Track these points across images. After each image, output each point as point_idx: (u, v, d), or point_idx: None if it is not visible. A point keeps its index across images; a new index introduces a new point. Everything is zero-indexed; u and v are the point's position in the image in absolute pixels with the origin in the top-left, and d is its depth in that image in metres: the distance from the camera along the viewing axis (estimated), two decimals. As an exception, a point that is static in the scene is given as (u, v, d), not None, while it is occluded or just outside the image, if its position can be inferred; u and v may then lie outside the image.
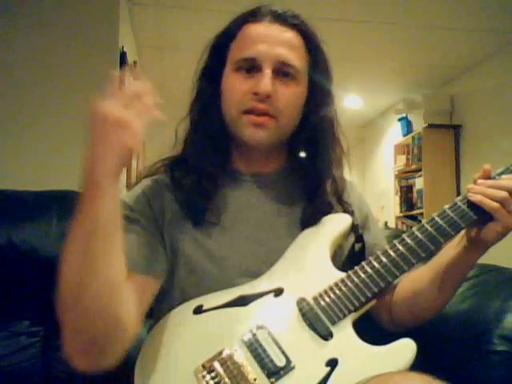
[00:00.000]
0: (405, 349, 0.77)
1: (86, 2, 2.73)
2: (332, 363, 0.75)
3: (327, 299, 0.81)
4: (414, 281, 0.91)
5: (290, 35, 0.90)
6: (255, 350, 0.76)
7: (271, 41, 0.89)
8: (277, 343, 0.77)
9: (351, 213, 0.95)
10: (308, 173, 0.93)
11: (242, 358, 0.76)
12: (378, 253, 0.84)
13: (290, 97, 0.89)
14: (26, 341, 1.06)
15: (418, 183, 4.59)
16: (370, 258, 0.84)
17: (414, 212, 4.66)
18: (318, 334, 0.78)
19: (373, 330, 0.85)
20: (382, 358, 0.76)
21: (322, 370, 0.75)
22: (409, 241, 0.83)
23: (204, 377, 0.74)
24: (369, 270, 0.83)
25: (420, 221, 0.93)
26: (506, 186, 0.79)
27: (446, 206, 0.84)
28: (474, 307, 0.95)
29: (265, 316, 0.80)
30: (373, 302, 0.83)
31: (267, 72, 0.87)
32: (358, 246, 0.94)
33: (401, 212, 4.87)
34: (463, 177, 4.31)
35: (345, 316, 0.80)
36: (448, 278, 0.86)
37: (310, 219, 0.91)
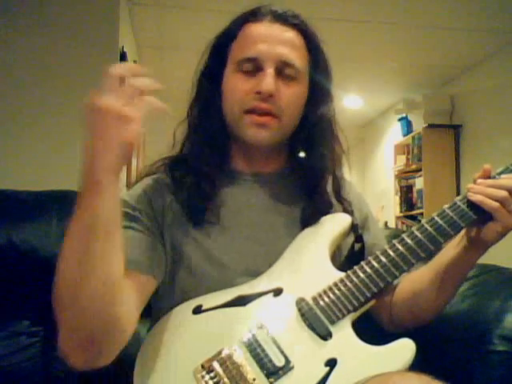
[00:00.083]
0: (404, 349, 0.77)
1: (86, 2, 2.73)
2: (331, 363, 0.75)
3: (326, 299, 0.81)
4: (414, 281, 0.91)
5: (290, 35, 0.91)
6: (254, 350, 0.76)
7: (272, 40, 0.89)
8: (276, 343, 0.77)
9: (351, 212, 0.95)
10: (307, 172, 0.93)
11: (241, 358, 0.76)
12: (378, 253, 0.84)
13: (292, 96, 0.89)
14: (26, 341, 1.06)
15: (418, 183, 4.59)
16: (370, 258, 0.84)
17: (414, 212, 4.66)
18: (317, 333, 0.78)
19: (372, 330, 0.85)
20: (381, 358, 0.76)
21: (321, 369, 0.75)
22: (408, 241, 0.83)
23: (203, 377, 0.74)
24: (368, 270, 0.83)
25: (420, 221, 0.93)
26: (506, 185, 0.79)
27: (446, 206, 0.84)
28: (473, 307, 0.95)
29: (264, 316, 0.80)
30: (372, 302, 0.83)
31: (269, 71, 0.87)
32: (357, 246, 0.93)
33: (401, 212, 4.87)
34: (463, 177, 4.31)
35: (344, 316, 0.80)
36: (448, 278, 0.86)
37: (310, 218, 0.92)
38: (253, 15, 0.92)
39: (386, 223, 5.03)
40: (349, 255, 0.93)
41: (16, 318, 1.07)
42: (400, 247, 0.83)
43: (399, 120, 5.00)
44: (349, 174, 1.02)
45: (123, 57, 2.87)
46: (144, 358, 0.79)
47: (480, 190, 0.80)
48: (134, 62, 3.40)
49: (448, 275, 0.86)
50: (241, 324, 0.80)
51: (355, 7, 3.25)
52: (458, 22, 3.42)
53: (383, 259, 0.83)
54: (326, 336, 0.78)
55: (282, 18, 0.91)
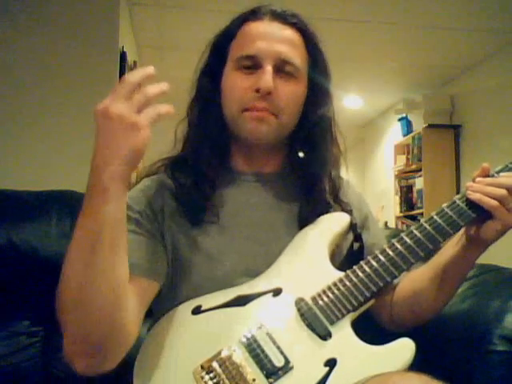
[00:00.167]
0: (404, 348, 0.77)
1: (86, 2, 2.73)
2: (331, 363, 0.75)
3: (326, 299, 0.81)
4: (414, 280, 0.91)
5: (290, 33, 0.91)
6: (254, 350, 0.76)
7: (271, 38, 0.89)
8: (275, 343, 0.77)
9: (349, 212, 0.95)
10: (306, 172, 0.94)
11: (241, 358, 0.75)
12: (377, 252, 0.84)
13: (291, 94, 0.89)
14: (25, 341, 1.06)
15: (418, 183, 4.59)
16: (369, 258, 0.84)
17: (414, 212, 4.66)
18: (316, 333, 0.78)
19: (372, 330, 0.85)
20: (381, 358, 0.76)
21: (320, 370, 0.75)
22: (407, 240, 0.83)
23: (203, 377, 0.74)
24: (367, 269, 0.83)
25: (420, 221, 0.93)
26: (505, 183, 0.79)
27: (445, 205, 0.84)
28: (474, 307, 0.95)
29: (263, 316, 0.80)
30: (371, 302, 0.83)
31: (268, 69, 0.87)
32: (356, 246, 0.93)
33: (401, 212, 4.87)
34: (463, 177, 4.31)
35: (343, 316, 0.80)
36: (448, 276, 0.86)
37: (308, 218, 0.92)
38: (252, 14, 0.93)
39: (385, 223, 5.03)
40: (348, 255, 0.93)
41: (16, 318, 1.07)
42: (399, 246, 0.83)
43: (399, 120, 5.00)
44: (347, 174, 1.02)
45: (123, 57, 2.87)
46: (144, 358, 0.79)
47: (479, 189, 0.80)
48: (134, 62, 3.40)
49: (448, 274, 0.86)
50: (240, 324, 0.79)
51: (355, 7, 3.25)
52: (457, 21, 3.42)
53: (382, 259, 0.83)
54: (325, 336, 0.78)
55: (282, 17, 0.92)
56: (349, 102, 5.01)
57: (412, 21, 3.42)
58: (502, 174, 0.83)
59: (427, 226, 0.83)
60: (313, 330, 0.79)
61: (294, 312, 0.81)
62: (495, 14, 3.27)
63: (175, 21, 3.49)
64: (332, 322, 0.79)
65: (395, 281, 0.87)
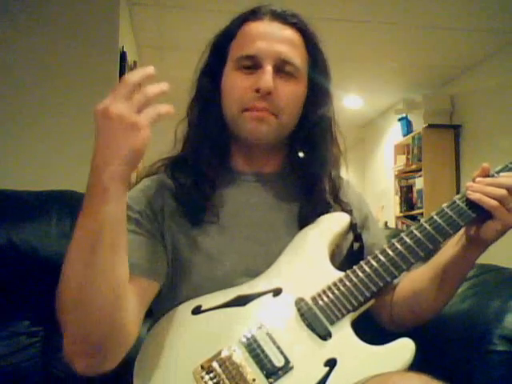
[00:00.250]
0: (404, 348, 0.77)
1: (86, 2, 2.73)
2: (331, 363, 0.75)
3: (326, 299, 0.81)
4: (414, 280, 0.91)
5: (290, 33, 0.91)
6: (254, 350, 0.76)
7: (271, 38, 0.89)
8: (275, 343, 0.77)
9: (349, 212, 0.95)
10: (306, 172, 0.94)
11: (241, 358, 0.75)
12: (377, 252, 0.84)
13: (291, 94, 0.89)
14: (26, 341, 1.06)
15: (418, 183, 4.59)
16: (369, 258, 0.84)
17: (413, 212, 4.66)
18: (316, 333, 0.78)
19: (372, 330, 0.85)
20: (381, 358, 0.76)
21: (320, 370, 0.74)
22: (407, 240, 0.83)
23: (203, 377, 0.74)
24: (367, 269, 0.83)
25: (419, 221, 0.93)
26: (505, 183, 0.79)
27: (445, 205, 0.84)
28: (474, 307, 0.95)
29: (263, 316, 0.80)
30: (371, 302, 0.83)
31: (268, 68, 0.87)
32: (356, 246, 0.93)
33: (401, 212, 4.87)
34: (463, 177, 4.31)
35: (343, 316, 0.80)
36: (448, 276, 0.86)
37: (308, 218, 0.92)
38: (252, 14, 0.93)
39: (386, 223, 5.03)
40: (348, 255, 0.93)
41: (16, 318, 1.07)
42: (399, 246, 0.83)
43: (399, 120, 5.00)
44: (347, 174, 1.02)
45: (123, 57, 2.87)
46: (144, 358, 0.79)
47: (479, 189, 0.80)
48: (134, 62, 3.40)
49: (448, 274, 0.86)
50: (240, 324, 0.79)
51: (355, 7, 3.25)
52: (457, 21, 3.42)
53: (382, 259, 0.83)
54: (325, 336, 0.78)
55: (282, 17, 0.92)
56: (349, 102, 5.01)
57: (412, 21, 3.42)
58: (502, 173, 0.83)
59: (427, 226, 0.83)
60: (313, 329, 0.79)
61: (294, 312, 0.81)
62: (495, 13, 3.27)
63: (175, 21, 3.49)
64: (332, 322, 0.79)
65: (395, 281, 0.87)
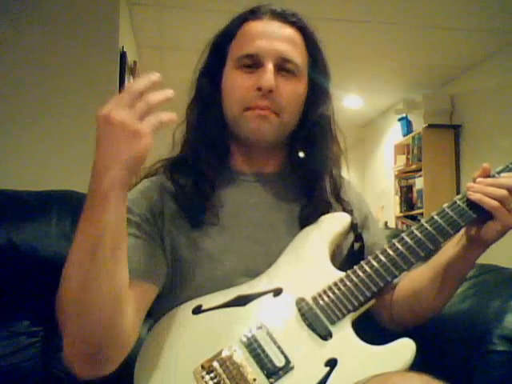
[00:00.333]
0: (404, 349, 0.77)
1: (86, 2, 2.73)
2: (331, 363, 0.75)
3: (326, 299, 0.81)
4: (414, 280, 0.91)
5: (290, 32, 0.91)
6: (254, 350, 0.76)
7: (272, 37, 0.89)
8: (276, 343, 0.77)
9: (350, 212, 0.95)
10: (306, 171, 0.94)
11: (241, 358, 0.75)
12: (377, 252, 0.84)
13: (292, 93, 0.90)
14: (26, 341, 1.06)
15: (418, 183, 4.59)
16: (369, 258, 0.84)
17: (414, 212, 4.66)
18: (317, 333, 0.78)
19: (372, 330, 0.85)
20: (382, 358, 0.76)
21: (321, 370, 0.75)
22: (408, 240, 0.83)
23: (203, 377, 0.74)
24: (368, 269, 0.83)
25: (420, 221, 0.93)
26: (506, 184, 0.79)
27: (446, 205, 0.84)
28: (474, 307, 0.95)
29: (264, 316, 0.80)
30: (372, 302, 0.83)
31: (269, 67, 0.87)
32: (357, 246, 0.93)
33: (401, 212, 4.87)
34: (463, 177, 4.31)
35: (344, 316, 0.80)
36: (448, 276, 0.86)
37: (309, 218, 0.92)
38: (252, 14, 0.93)
39: (386, 223, 5.03)
40: (349, 254, 0.93)
41: (16, 318, 1.07)
42: (400, 246, 0.83)
43: (399, 120, 5.00)
44: (347, 174, 1.02)
45: (123, 57, 2.87)
46: (144, 358, 0.79)
47: (479, 189, 0.80)
48: (134, 62, 3.39)
49: (448, 274, 0.86)
50: (241, 324, 0.79)
51: (355, 7, 3.25)
52: (457, 21, 3.42)
53: (383, 259, 0.83)
54: (326, 336, 0.78)
55: (282, 16, 0.92)
56: (349, 102, 5.01)
57: (412, 21, 3.42)
58: (502, 174, 0.83)
59: (428, 226, 0.83)
60: (313, 329, 0.79)
61: (294, 312, 0.81)
62: (495, 13, 3.27)
63: (175, 21, 3.49)
64: (333, 322, 0.79)
65: (395, 280, 0.87)
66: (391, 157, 5.15)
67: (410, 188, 4.78)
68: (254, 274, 0.86)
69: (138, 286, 0.78)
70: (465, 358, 0.90)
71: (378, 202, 5.36)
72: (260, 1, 0.95)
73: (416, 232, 0.83)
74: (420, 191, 4.52)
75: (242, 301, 0.82)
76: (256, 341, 0.77)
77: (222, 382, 0.73)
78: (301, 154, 0.94)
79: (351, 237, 0.94)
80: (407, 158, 4.81)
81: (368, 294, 0.81)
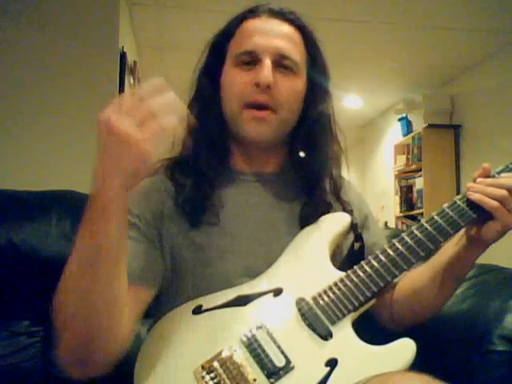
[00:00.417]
0: (404, 349, 0.77)
1: (86, 2, 2.73)
2: (332, 363, 0.75)
3: (326, 299, 0.81)
4: (414, 279, 0.91)
5: (288, 29, 0.92)
6: (254, 350, 0.76)
7: (269, 34, 0.90)
8: (276, 343, 0.77)
9: (350, 212, 0.95)
10: (306, 170, 0.94)
11: (242, 358, 0.75)
12: (377, 252, 0.84)
13: (291, 89, 0.90)
14: (26, 341, 1.06)
15: (418, 183, 4.59)
16: (369, 258, 0.84)
17: (414, 212, 4.66)
18: (317, 333, 0.78)
19: (372, 330, 0.85)
20: (382, 358, 0.76)
21: (321, 370, 0.74)
22: (408, 240, 0.83)
23: (203, 377, 0.74)
24: (368, 269, 0.83)
25: (420, 221, 0.93)
26: (506, 184, 0.79)
27: (446, 205, 0.84)
28: (474, 307, 0.95)
29: (264, 316, 0.80)
30: (372, 302, 0.83)
31: (267, 63, 0.87)
32: (357, 246, 0.93)
33: (401, 212, 4.87)
34: (463, 177, 4.31)
35: (344, 316, 0.80)
36: (447, 276, 0.86)
37: (309, 217, 0.91)
38: (250, 13, 0.93)
39: (386, 223, 5.03)
40: (349, 254, 0.93)
41: (16, 318, 1.07)
42: (400, 246, 0.83)
43: (399, 120, 5.00)
44: (348, 174, 1.02)
45: (123, 57, 2.87)
46: (144, 358, 0.79)
47: (480, 189, 0.80)
48: (134, 62, 3.40)
49: (447, 274, 0.86)
50: (241, 324, 0.79)
51: (355, 7, 3.25)
52: (457, 22, 3.42)
53: (383, 259, 0.83)
54: (326, 336, 0.78)
55: (280, 14, 0.92)
56: (349, 102, 5.01)
57: (412, 21, 3.42)
58: (502, 174, 0.83)
59: (428, 226, 0.83)
60: (314, 329, 0.79)
61: (294, 312, 0.81)
62: (495, 13, 3.27)
63: (175, 21, 3.49)
64: (333, 322, 0.79)
65: (395, 280, 0.87)
66: (391, 157, 5.15)
67: (410, 188, 4.78)
68: (254, 273, 0.86)
69: (133, 289, 0.78)
70: (465, 358, 0.90)
71: (377, 202, 5.36)
72: (259, 0, 0.95)
73: (416, 232, 0.83)
74: (420, 191, 4.52)
75: (242, 301, 0.82)
76: (256, 341, 0.77)
77: (222, 382, 0.73)
78: (301, 154, 0.94)
79: (351, 237, 0.94)
80: (407, 158, 4.81)
81: (368, 294, 0.81)
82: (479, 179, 0.82)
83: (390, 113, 5.28)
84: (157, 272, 0.84)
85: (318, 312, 0.80)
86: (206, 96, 0.94)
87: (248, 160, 0.95)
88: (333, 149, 0.96)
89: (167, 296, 0.86)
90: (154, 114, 0.65)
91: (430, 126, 4.46)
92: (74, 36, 2.65)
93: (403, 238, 0.84)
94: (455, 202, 0.83)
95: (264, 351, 0.76)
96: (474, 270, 1.02)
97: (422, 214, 4.45)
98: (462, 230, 0.84)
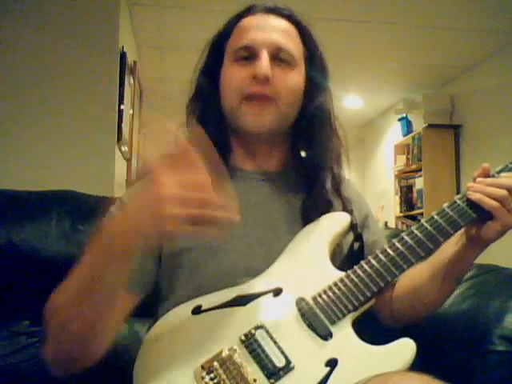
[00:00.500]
0: (404, 349, 0.77)
1: (86, 2, 2.73)
2: (332, 363, 0.75)
3: (326, 299, 0.81)
4: (414, 277, 0.91)
5: (284, 24, 0.93)
6: (254, 350, 0.76)
7: (266, 28, 0.91)
8: (276, 343, 0.77)
9: (350, 211, 0.95)
10: (307, 166, 0.94)
11: (242, 358, 0.75)
12: (377, 252, 0.84)
13: (289, 81, 0.90)
14: (25, 341, 1.06)
15: (418, 183, 4.59)
16: (369, 258, 0.84)
17: (414, 212, 4.66)
18: (317, 333, 0.78)
19: (372, 330, 0.85)
20: (382, 358, 0.76)
21: (321, 370, 0.74)
22: (408, 240, 0.83)
23: (203, 377, 0.74)
24: (368, 269, 0.83)
25: (420, 221, 0.93)
26: (506, 184, 0.79)
27: (446, 205, 0.84)
28: (474, 307, 0.95)
29: (264, 316, 0.80)
30: (372, 302, 0.83)
31: (264, 55, 0.88)
32: (356, 245, 0.93)
33: (401, 212, 4.87)
34: (463, 177, 4.31)
35: (344, 316, 0.80)
36: (447, 275, 0.86)
37: (310, 211, 0.91)
38: (247, 11, 0.95)
39: (386, 223, 5.03)
40: (349, 254, 0.93)
41: (16, 318, 1.07)
42: (400, 246, 0.83)
43: (399, 120, 5.00)
44: (348, 174, 1.02)
45: (123, 57, 2.87)
46: (144, 358, 0.79)
47: (479, 189, 0.80)
48: (134, 62, 3.40)
49: (447, 272, 0.86)
50: (241, 324, 0.79)
51: (355, 7, 3.25)
52: (457, 22, 3.41)
53: (383, 258, 0.83)
54: (326, 336, 0.78)
55: (275, 10, 0.94)
56: (349, 102, 5.01)
57: (412, 21, 3.42)
58: (502, 174, 0.83)
59: (428, 226, 0.83)
60: (314, 330, 0.79)
61: (294, 312, 0.81)
62: (495, 14, 3.27)
63: (175, 21, 3.49)
64: (333, 322, 0.79)
65: (395, 280, 0.87)
66: (391, 157, 5.15)
67: (410, 188, 4.78)
68: (254, 273, 0.86)
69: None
70: (465, 358, 0.90)
71: (378, 202, 5.36)
72: (258, 0, 0.96)
73: (416, 232, 0.83)
74: (420, 191, 4.53)
75: (241, 301, 0.82)
76: (256, 341, 0.77)
77: (222, 382, 0.73)
78: (302, 154, 0.94)
79: (351, 236, 0.94)
80: (407, 158, 4.81)
81: (368, 293, 0.81)
82: (479, 179, 0.82)
83: (390, 113, 5.28)
84: (145, 280, 0.85)
85: (318, 312, 0.80)
86: (206, 95, 0.94)
87: (250, 158, 0.95)
88: (333, 143, 0.96)
89: (167, 295, 0.86)
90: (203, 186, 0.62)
91: (430, 125, 4.46)
92: (74, 36, 2.65)
93: (403, 238, 0.84)
94: (455, 202, 0.83)
95: (264, 351, 0.76)
96: (474, 270, 1.02)
97: (422, 214, 4.45)
98: (462, 230, 0.84)
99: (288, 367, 0.75)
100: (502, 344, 0.87)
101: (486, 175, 0.83)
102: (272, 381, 0.74)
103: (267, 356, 0.75)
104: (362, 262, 0.84)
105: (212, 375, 0.74)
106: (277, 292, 0.83)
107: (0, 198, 1.14)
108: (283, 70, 0.90)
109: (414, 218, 4.64)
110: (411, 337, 0.78)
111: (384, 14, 3.33)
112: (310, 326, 0.79)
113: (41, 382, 1.04)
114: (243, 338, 0.77)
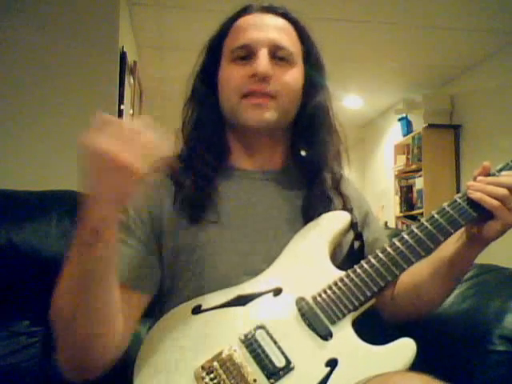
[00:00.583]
0: (405, 349, 0.77)
1: (86, 1, 2.73)
2: (332, 363, 0.75)
3: (326, 299, 0.81)
4: (414, 274, 0.91)
5: (281, 22, 0.93)
6: (254, 350, 0.76)
7: (263, 27, 0.91)
8: (276, 343, 0.77)
9: (350, 210, 0.94)
10: (307, 163, 0.94)
11: (242, 358, 0.75)
12: (378, 251, 0.84)
13: (288, 78, 0.90)
14: (25, 341, 1.06)
15: (418, 183, 4.59)
16: (370, 257, 0.84)
17: (414, 212, 4.66)
18: (317, 333, 0.78)
19: (372, 330, 0.85)
20: (382, 358, 0.76)
21: (321, 370, 0.74)
22: (408, 239, 0.83)
23: (203, 378, 0.74)
24: (368, 268, 0.83)
25: (420, 220, 0.93)
26: (506, 182, 0.79)
27: (446, 204, 0.84)
28: (473, 307, 0.95)
29: (264, 316, 0.80)
30: (372, 301, 0.83)
31: (263, 53, 0.88)
32: (357, 244, 0.93)
33: (401, 212, 4.87)
34: (463, 177, 4.31)
35: (344, 315, 0.80)
36: (447, 273, 0.86)
37: (310, 209, 0.91)
38: (243, 10, 0.95)
39: (386, 223, 5.03)
40: (349, 253, 0.93)
41: (16, 318, 1.07)
42: (400, 245, 0.83)
43: (399, 120, 5.00)
44: (349, 174, 1.02)
45: (123, 57, 2.87)
46: (143, 358, 0.79)
47: (480, 188, 0.80)
48: (134, 62, 3.40)
49: (447, 271, 0.86)
50: (240, 324, 0.79)
51: (355, 7, 3.25)
52: (457, 22, 3.41)
53: (383, 258, 0.83)
54: (326, 336, 0.78)
55: (272, 9, 0.94)
56: (349, 102, 5.01)
57: (412, 21, 3.42)
58: (503, 172, 0.83)
59: (428, 225, 0.83)
60: (314, 329, 0.78)
61: (294, 312, 0.81)
62: (495, 14, 3.27)
63: (175, 21, 3.49)
64: (333, 322, 0.79)
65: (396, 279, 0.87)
66: (391, 157, 5.15)
67: (410, 188, 4.78)
68: (254, 273, 0.85)
69: (127, 296, 0.78)
70: (465, 358, 0.90)
71: (378, 202, 5.36)
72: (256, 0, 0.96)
73: (416, 231, 0.83)
74: (420, 191, 4.52)
75: (241, 300, 0.82)
76: (256, 341, 0.77)
77: (222, 382, 0.73)
78: (303, 153, 0.94)
79: (351, 236, 0.94)
80: (407, 158, 4.81)
81: (369, 293, 0.81)
82: (479, 178, 0.82)
83: (390, 113, 5.28)
84: (152, 278, 0.85)
85: (318, 312, 0.80)
86: (203, 95, 0.94)
87: (250, 157, 0.95)
88: (332, 140, 0.96)
89: (167, 295, 0.86)
90: (135, 133, 0.64)
91: (430, 125, 4.46)
92: (74, 36, 2.65)
93: (403, 237, 0.83)
94: (455, 201, 0.83)
95: (264, 351, 0.76)
96: (474, 270, 1.02)
97: (422, 213, 4.44)
98: (462, 229, 0.84)
99: (288, 367, 0.75)
100: (502, 344, 0.87)
101: (487, 174, 0.83)
102: (272, 381, 0.74)
103: (267, 356, 0.75)
104: (363, 262, 0.84)
105: (212, 375, 0.74)
106: (277, 292, 0.83)
107: (0, 198, 1.14)
108: (282, 68, 0.90)
109: (414, 218, 4.63)
110: (411, 336, 0.78)
111: (384, 14, 3.33)
112: (310, 326, 0.79)
113: (41, 382, 1.05)
114: (243, 338, 0.77)
